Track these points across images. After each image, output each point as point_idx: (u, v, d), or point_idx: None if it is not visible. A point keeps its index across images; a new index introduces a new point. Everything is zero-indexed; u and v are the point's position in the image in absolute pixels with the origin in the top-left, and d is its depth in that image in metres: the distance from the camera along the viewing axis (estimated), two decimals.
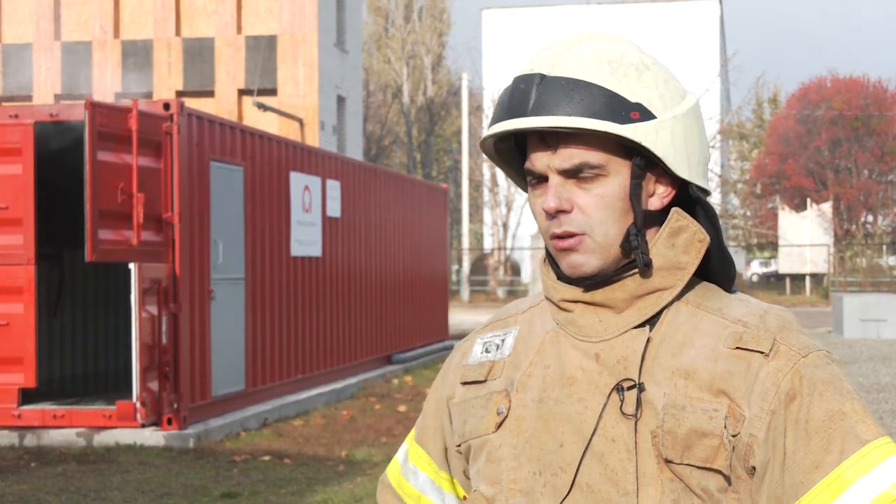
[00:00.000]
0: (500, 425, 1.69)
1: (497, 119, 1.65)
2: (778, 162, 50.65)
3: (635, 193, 1.62)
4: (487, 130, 1.66)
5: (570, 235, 1.62)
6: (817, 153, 49.20)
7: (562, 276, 1.69)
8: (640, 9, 52.28)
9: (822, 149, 49.07)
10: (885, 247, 47.22)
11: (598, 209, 1.61)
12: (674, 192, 1.67)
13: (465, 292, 42.90)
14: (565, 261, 1.64)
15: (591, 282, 1.65)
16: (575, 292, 1.67)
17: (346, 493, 8.94)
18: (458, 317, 30.40)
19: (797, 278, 46.18)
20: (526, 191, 1.73)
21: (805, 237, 45.19)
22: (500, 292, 43.08)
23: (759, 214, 52.92)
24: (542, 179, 1.64)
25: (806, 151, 49.35)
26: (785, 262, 46.39)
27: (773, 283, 52.40)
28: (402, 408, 13.75)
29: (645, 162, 1.62)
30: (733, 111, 50.11)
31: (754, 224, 51.58)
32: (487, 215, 49.78)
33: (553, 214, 1.61)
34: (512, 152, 1.74)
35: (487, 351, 1.78)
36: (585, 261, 1.62)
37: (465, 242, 45.63)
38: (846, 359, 18.42)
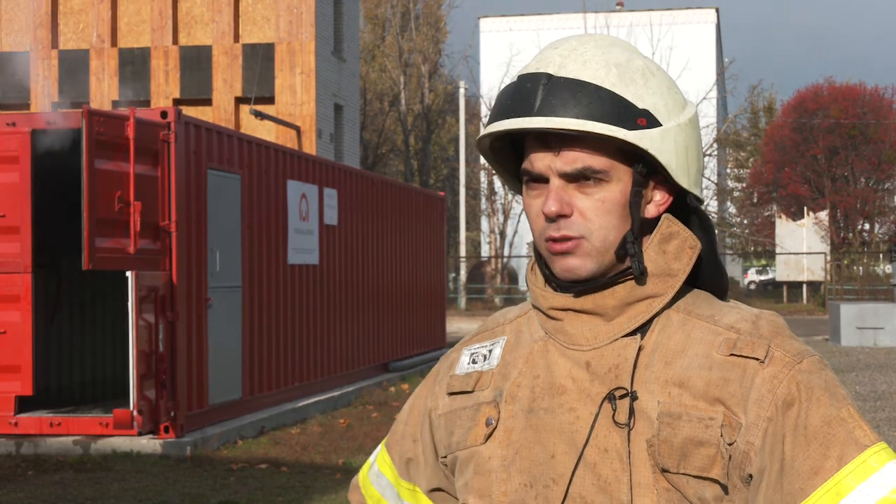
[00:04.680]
0: (489, 437, 1.66)
1: (499, 117, 1.60)
2: (775, 170, 50.72)
3: (635, 201, 1.60)
4: (487, 128, 1.61)
5: (568, 239, 1.58)
6: (814, 161, 49.26)
7: (550, 283, 1.66)
8: (636, 17, 52.33)
9: (818, 157, 49.12)
10: (881, 255, 47.27)
11: (599, 214, 1.58)
12: (670, 200, 1.65)
13: (462, 300, 42.83)
14: (560, 264, 1.60)
15: (583, 287, 1.62)
16: (564, 300, 1.64)
17: (342, 501, 8.94)
18: (455, 325, 30.37)
19: (794, 286, 46.16)
20: (516, 191, 1.70)
21: (802, 245, 45.19)
22: (498, 300, 43.01)
23: (756, 223, 52.97)
24: (539, 180, 1.60)
25: (803, 160, 49.42)
26: (782, 271, 46.38)
27: (770, 291, 52.40)
28: None
29: (647, 169, 1.60)
30: (729, 120, 50.16)
31: (751, 232, 51.60)
32: (485, 223, 49.74)
33: (553, 218, 1.58)
34: (506, 152, 1.70)
35: (475, 362, 1.75)
36: (581, 264, 1.59)
37: (463, 250, 45.57)
38: (843, 367, 18.41)
